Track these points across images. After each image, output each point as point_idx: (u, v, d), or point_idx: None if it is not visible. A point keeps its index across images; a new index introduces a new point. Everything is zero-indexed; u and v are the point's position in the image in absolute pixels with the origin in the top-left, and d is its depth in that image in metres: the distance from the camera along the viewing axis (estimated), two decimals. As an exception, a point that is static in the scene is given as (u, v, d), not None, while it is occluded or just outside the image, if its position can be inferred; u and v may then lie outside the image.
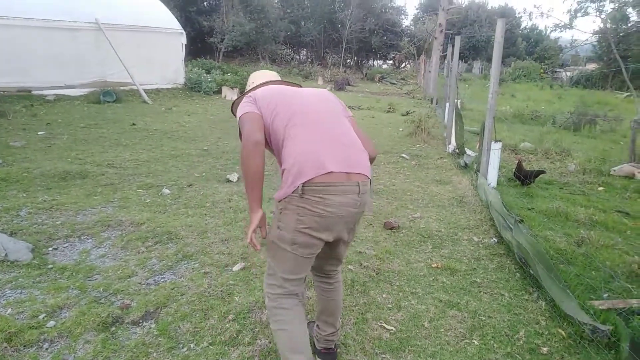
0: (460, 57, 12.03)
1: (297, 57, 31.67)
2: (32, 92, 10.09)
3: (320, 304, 2.14)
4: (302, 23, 29.76)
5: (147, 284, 2.78)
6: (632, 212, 4.58)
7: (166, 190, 4.54)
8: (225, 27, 20.74)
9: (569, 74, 28.74)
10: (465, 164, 6.16)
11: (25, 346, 2.12)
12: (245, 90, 2.12)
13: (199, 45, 22.56)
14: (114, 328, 2.31)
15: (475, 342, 2.35)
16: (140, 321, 2.39)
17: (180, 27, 13.71)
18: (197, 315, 2.46)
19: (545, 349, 2.31)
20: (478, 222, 4.14)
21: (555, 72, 31.14)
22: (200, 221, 3.80)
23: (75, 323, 2.29)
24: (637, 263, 3.20)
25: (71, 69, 10.81)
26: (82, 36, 10.93)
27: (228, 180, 5.06)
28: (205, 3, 25.20)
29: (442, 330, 2.45)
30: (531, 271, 3.00)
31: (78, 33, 10.85)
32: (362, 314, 2.57)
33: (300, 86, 2.14)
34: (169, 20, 13.55)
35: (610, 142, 8.99)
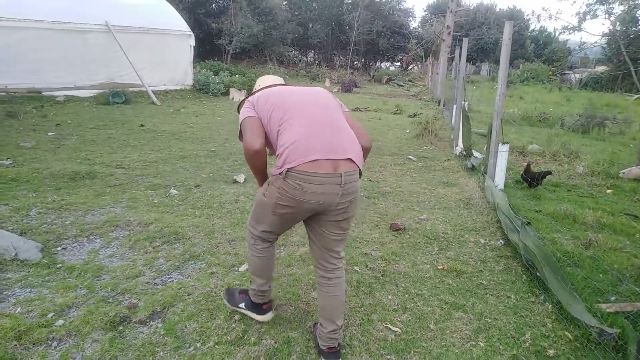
0: (468, 59, 12.01)
1: (305, 59, 31.72)
2: (42, 93, 10.21)
3: (321, 300, 2.18)
4: (310, 25, 29.83)
5: (155, 283, 2.80)
6: (641, 215, 4.54)
7: (174, 191, 4.57)
8: (233, 29, 20.84)
9: (577, 76, 28.51)
10: (473, 166, 6.14)
11: (34, 344, 2.14)
12: (252, 91, 2.25)
13: (207, 47, 22.69)
14: (121, 327, 2.33)
15: (481, 344, 2.35)
16: (148, 320, 2.41)
17: (189, 29, 13.80)
18: (204, 315, 2.47)
19: (551, 352, 2.30)
20: (485, 224, 4.13)
21: (564, 74, 30.92)
22: (207, 222, 3.83)
23: (83, 322, 2.31)
24: (645, 266, 3.18)
25: (81, 71, 10.93)
26: (92, 38, 11.05)
27: (235, 182, 5.08)
28: (214, 5, 25.32)
29: (448, 332, 2.45)
30: (538, 274, 2.99)
31: (88, 35, 10.97)
32: (367, 315, 2.58)
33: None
34: (178, 23, 13.65)
35: (619, 144, 8.91)
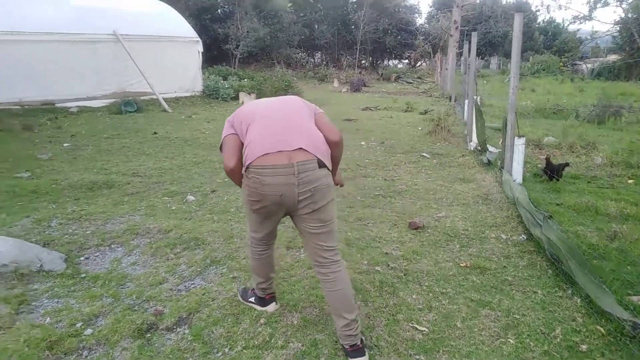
0: (477, 54, 11.90)
1: (312, 60, 31.78)
2: (56, 105, 10.35)
3: (326, 296, 2.26)
4: (316, 26, 29.89)
5: (178, 290, 2.81)
6: (665, 204, 4.45)
7: (191, 197, 4.59)
8: (239, 33, 20.96)
9: (589, 66, 28.13)
10: (489, 160, 6.08)
11: (65, 354, 2.16)
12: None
13: (215, 53, 22.84)
14: (149, 334, 2.34)
15: (511, 341, 2.31)
16: (174, 327, 2.41)
17: (196, 35, 13.90)
18: (229, 319, 2.47)
19: (584, 347, 2.26)
20: (505, 220, 4.08)
21: (575, 64, 30.52)
22: (226, 226, 3.83)
23: (111, 330, 2.32)
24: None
25: (92, 81, 11.08)
26: (102, 48, 11.18)
27: (251, 185, 5.08)
28: (219, 10, 25.50)
29: (476, 329, 2.42)
30: (564, 267, 2.94)
31: (97, 45, 11.10)
32: (392, 315, 2.55)
33: None
34: (185, 29, 13.75)
35: (637, 133, 8.74)
